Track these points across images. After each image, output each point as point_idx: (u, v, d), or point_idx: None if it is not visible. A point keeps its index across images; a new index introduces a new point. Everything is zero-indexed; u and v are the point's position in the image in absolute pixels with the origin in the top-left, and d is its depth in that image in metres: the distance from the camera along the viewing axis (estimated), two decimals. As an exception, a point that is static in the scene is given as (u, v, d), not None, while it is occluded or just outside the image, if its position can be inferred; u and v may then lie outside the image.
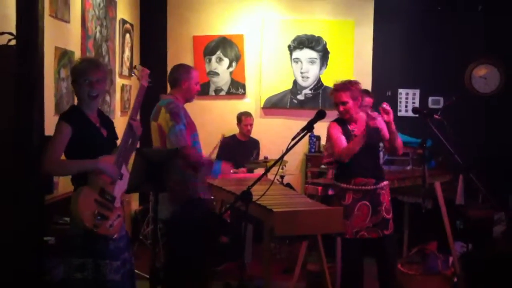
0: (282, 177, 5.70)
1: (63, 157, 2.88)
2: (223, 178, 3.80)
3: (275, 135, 6.45)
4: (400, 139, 3.92)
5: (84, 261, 2.80)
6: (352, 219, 3.84)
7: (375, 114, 3.80)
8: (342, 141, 3.86)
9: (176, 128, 3.52)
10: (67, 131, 2.81)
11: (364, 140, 3.73)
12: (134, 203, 6.15)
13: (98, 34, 5.03)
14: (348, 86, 3.83)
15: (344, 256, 4.03)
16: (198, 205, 3.65)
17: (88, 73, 2.90)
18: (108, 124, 3.09)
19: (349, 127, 3.92)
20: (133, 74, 3.18)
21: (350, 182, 3.88)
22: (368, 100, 4.88)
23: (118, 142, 3.07)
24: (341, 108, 3.86)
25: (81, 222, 2.73)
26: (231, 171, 3.89)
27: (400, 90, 6.59)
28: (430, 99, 6.53)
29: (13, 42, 3.11)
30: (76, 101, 3.22)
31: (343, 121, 3.94)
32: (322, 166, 5.31)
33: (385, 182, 3.95)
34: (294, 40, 6.58)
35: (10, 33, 3.16)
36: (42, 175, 3.02)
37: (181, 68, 3.86)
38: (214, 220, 4.56)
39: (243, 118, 6.00)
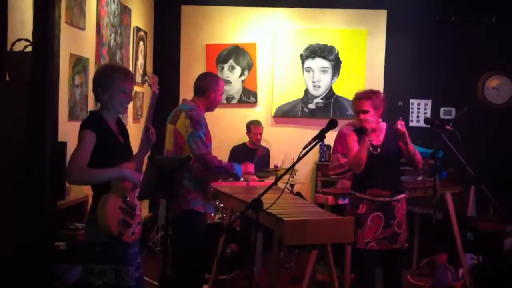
0: (292, 185, 5.69)
1: None
2: (247, 175, 3.77)
3: (285, 143, 6.47)
4: (418, 153, 3.86)
5: (103, 267, 2.78)
6: (365, 229, 3.81)
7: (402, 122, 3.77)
8: (355, 150, 3.84)
9: (196, 135, 3.51)
10: (92, 138, 2.76)
11: (368, 143, 3.71)
12: (144, 209, 6.17)
13: (112, 41, 5.08)
14: (370, 95, 3.79)
15: (357, 266, 4.01)
16: (194, 218, 3.59)
17: (125, 84, 2.87)
18: (124, 131, 3.08)
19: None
20: (146, 81, 3.18)
21: (365, 192, 3.83)
22: None
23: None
24: (362, 116, 3.83)
25: (108, 229, 2.73)
26: (250, 171, 3.84)
27: (412, 100, 6.59)
28: (442, 109, 6.51)
29: (29, 49, 3.14)
30: (90, 107, 3.24)
31: (361, 131, 3.89)
32: (333, 176, 5.30)
33: (402, 195, 3.88)
34: (306, 49, 6.60)
35: (27, 40, 3.20)
36: (66, 182, 3.06)
37: (210, 78, 3.78)
38: (212, 233, 4.53)
39: (252, 127, 6.00)
